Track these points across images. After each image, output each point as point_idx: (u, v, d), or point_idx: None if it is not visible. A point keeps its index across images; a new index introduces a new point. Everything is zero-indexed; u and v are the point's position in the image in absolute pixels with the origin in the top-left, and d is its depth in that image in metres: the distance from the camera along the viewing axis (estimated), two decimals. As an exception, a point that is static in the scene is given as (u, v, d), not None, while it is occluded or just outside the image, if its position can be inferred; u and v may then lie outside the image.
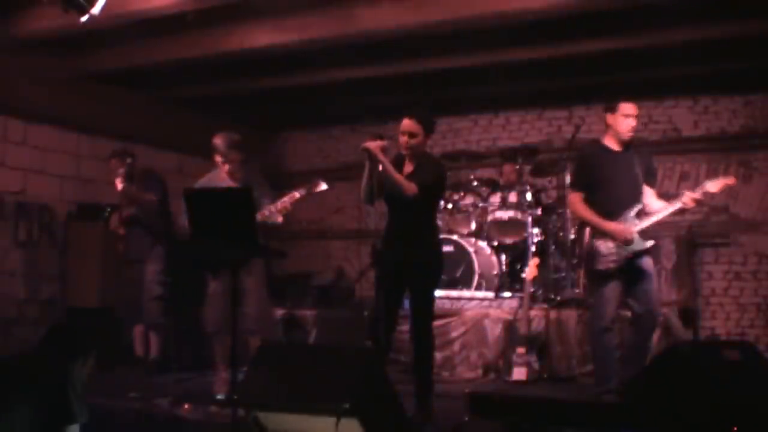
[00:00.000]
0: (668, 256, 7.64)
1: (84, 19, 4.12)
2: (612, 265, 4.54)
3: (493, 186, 7.19)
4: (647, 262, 4.63)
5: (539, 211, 6.75)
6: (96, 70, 6.80)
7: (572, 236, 6.61)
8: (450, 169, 7.48)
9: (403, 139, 4.31)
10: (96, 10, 4.05)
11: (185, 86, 7.45)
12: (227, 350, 4.75)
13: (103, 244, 6.62)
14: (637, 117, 4.66)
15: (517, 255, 6.84)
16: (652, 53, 6.43)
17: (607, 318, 4.62)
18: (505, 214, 6.65)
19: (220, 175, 5.12)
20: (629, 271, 4.57)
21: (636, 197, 4.63)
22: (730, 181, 4.61)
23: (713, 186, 4.50)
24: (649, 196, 4.72)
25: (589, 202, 4.69)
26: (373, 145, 4.17)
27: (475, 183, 7.28)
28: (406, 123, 4.30)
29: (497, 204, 6.79)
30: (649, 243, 4.58)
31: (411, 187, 4.21)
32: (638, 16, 5.66)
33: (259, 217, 4.90)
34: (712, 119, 7.74)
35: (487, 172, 8.18)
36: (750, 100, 7.60)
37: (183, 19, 5.48)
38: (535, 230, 6.65)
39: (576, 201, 4.78)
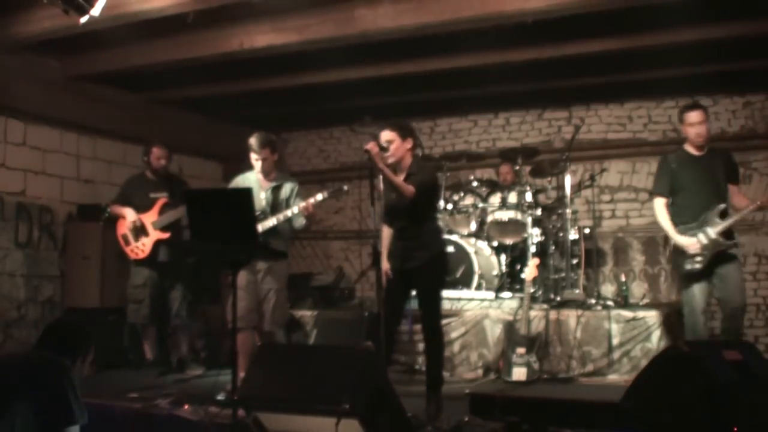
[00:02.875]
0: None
1: (84, 20, 4.12)
2: (698, 266, 4.85)
3: (493, 186, 7.19)
4: (730, 260, 4.90)
5: (539, 212, 6.75)
6: (95, 71, 6.79)
7: (572, 236, 6.61)
8: (450, 169, 7.52)
9: (384, 149, 4.45)
10: (96, 11, 4.04)
11: (185, 87, 7.44)
12: (246, 347, 4.78)
13: (103, 244, 6.63)
14: (703, 122, 5.03)
15: (517, 255, 6.84)
16: (652, 53, 6.42)
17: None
18: (505, 215, 6.65)
19: (254, 175, 5.12)
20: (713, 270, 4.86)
21: (718, 198, 4.91)
22: None
23: None
24: (734, 195, 5.04)
25: (673, 206, 5.03)
26: (372, 146, 4.21)
27: (475, 183, 7.29)
28: (382, 134, 4.46)
29: (497, 204, 6.79)
30: (731, 242, 4.87)
31: (409, 189, 4.29)
32: (638, 16, 5.65)
33: (281, 217, 4.92)
34: (711, 120, 7.66)
35: (487, 173, 8.21)
36: (750, 100, 7.61)
37: (183, 20, 5.47)
38: (535, 231, 6.65)
39: (659, 206, 5.08)
